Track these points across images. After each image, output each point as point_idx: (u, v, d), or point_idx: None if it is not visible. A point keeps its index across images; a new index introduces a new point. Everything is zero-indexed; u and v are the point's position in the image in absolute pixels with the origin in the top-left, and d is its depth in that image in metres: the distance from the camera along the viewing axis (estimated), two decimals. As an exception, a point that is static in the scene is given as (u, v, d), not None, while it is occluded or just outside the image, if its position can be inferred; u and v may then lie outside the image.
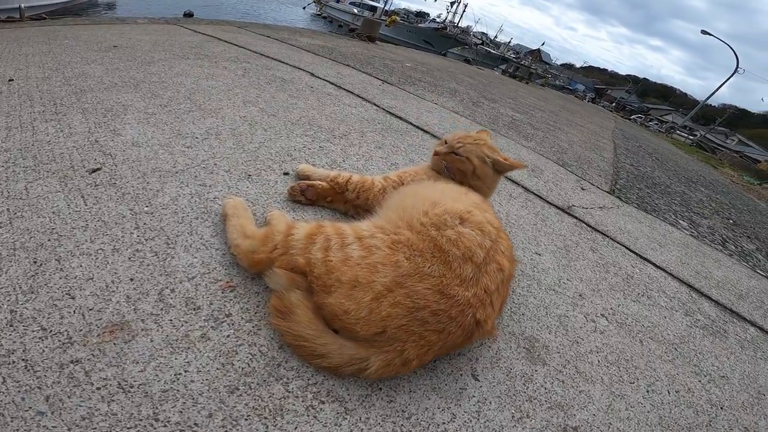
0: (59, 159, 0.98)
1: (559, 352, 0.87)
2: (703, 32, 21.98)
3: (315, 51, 3.58)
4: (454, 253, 0.68)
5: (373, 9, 31.07)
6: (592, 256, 1.37)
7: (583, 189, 2.17)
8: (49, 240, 0.74)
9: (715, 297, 1.44)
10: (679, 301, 1.30)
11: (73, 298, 0.65)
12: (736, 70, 20.16)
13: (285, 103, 1.78)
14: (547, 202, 1.73)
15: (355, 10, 31.58)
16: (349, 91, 2.38)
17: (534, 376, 0.79)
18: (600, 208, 1.94)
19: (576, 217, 1.67)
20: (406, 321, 0.63)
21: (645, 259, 1.53)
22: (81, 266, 0.71)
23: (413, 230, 0.72)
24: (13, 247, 0.71)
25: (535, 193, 1.77)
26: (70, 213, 0.82)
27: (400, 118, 2.15)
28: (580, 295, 1.10)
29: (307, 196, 1.02)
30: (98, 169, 0.96)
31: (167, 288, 0.72)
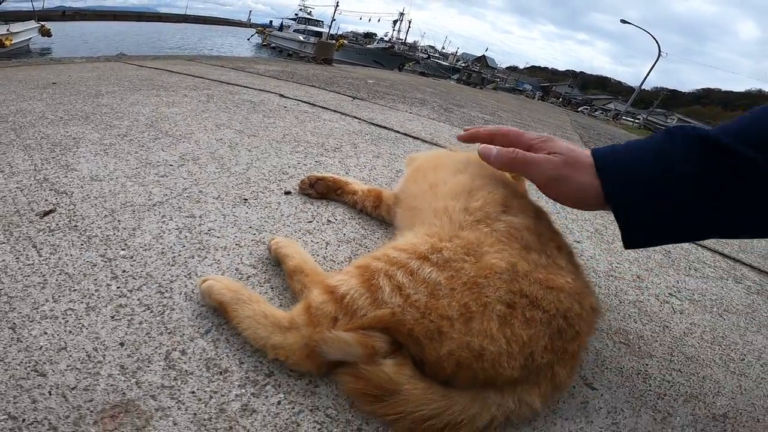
0: (0, 204, 0.77)
1: (657, 341, 0.81)
2: (623, 21, 23.62)
3: (276, 76, 3.46)
4: (515, 246, 0.55)
5: (319, 34, 31.48)
6: None
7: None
8: (-4, 304, 0.55)
9: (747, 261, 1.43)
10: (721, 269, 1.30)
11: (43, 375, 0.47)
12: (659, 55, 21.65)
13: (262, 123, 1.61)
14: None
15: (301, 37, 31.87)
16: (325, 108, 2.24)
17: (649, 371, 0.71)
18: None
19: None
20: (549, 338, 0.49)
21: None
22: (45, 333, 0.52)
23: (464, 229, 0.59)
24: (-51, 316, 0.52)
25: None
26: (20, 268, 0.62)
27: (385, 127, 2.04)
28: (638, 277, 1.06)
29: (317, 189, 0.96)
30: (51, 211, 0.75)
31: (175, 349, 0.53)
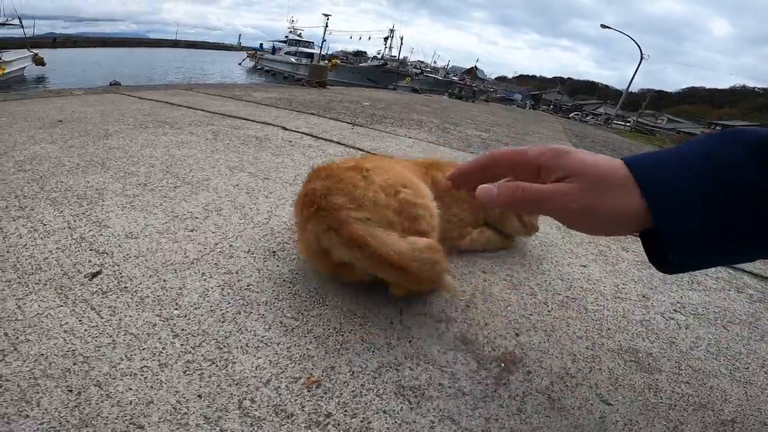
0: (45, 266, 0.82)
1: (665, 356, 0.84)
2: (603, 26, 24.09)
3: (274, 104, 3.54)
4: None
5: (310, 56, 31.90)
6: (628, 256, 1.36)
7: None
8: (74, 364, 0.60)
9: (748, 269, 1.45)
10: (723, 279, 1.31)
11: (141, 427, 0.52)
12: (642, 58, 22.05)
13: (272, 163, 1.68)
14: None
15: (293, 59, 32.32)
16: (328, 140, 2.31)
17: (659, 385, 0.75)
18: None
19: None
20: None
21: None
22: (130, 389, 0.57)
23: None
24: (32, 376, 0.57)
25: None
26: (86, 330, 0.67)
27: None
28: (643, 296, 1.09)
29: None
30: (98, 273, 0.81)
31: (245, 399, 0.59)
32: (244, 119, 2.59)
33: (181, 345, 0.66)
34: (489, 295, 0.95)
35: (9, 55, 15.63)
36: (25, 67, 17.08)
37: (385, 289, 0.89)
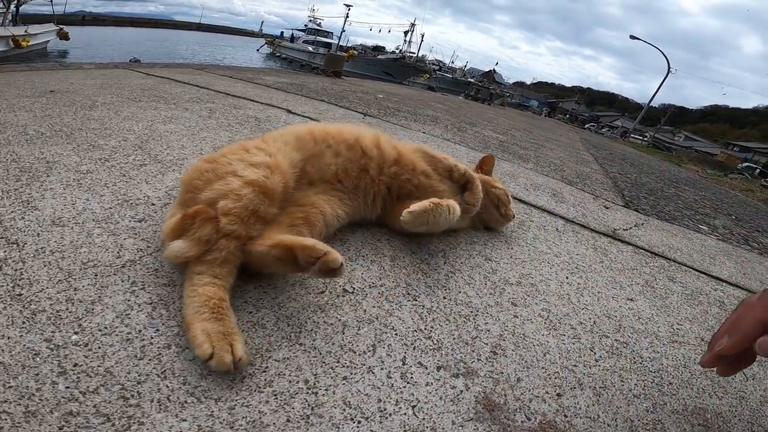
0: (-67, 258, 0.61)
1: (735, 416, 0.72)
2: (632, 37, 23.54)
3: (284, 88, 3.35)
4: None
5: (328, 45, 31.75)
6: (676, 288, 1.21)
7: (607, 208, 2.04)
8: None
9: None
10: None
11: None
12: (669, 71, 21.52)
13: (266, 144, 1.46)
14: (593, 230, 1.50)
15: (311, 48, 32.23)
16: (335, 126, 2.10)
17: None
18: (635, 226, 1.79)
19: (628, 242, 1.48)
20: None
21: (717, 278, 1.41)
22: None
23: None
24: None
25: (575, 222, 1.54)
26: None
27: (401, 149, 1.89)
28: (702, 339, 0.96)
29: None
30: (-7, 272, 0.59)
31: None
32: (247, 99, 2.40)
33: (67, 388, 0.45)
34: (521, 337, 0.73)
35: (35, 28, 15.60)
36: (49, 40, 17.06)
37: (382, 324, 0.66)
